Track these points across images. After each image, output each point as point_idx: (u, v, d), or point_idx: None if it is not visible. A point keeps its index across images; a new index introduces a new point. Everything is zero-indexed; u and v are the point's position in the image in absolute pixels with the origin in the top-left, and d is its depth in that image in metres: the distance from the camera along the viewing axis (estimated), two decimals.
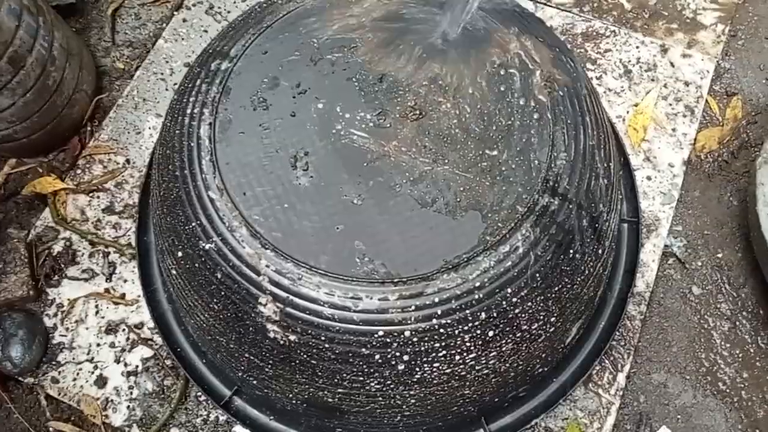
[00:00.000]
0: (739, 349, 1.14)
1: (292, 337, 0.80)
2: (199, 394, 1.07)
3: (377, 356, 0.80)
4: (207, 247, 0.82)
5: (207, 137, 0.87)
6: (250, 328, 0.83)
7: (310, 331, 0.79)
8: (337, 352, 0.80)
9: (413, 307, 0.77)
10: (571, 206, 0.84)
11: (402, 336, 0.78)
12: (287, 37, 0.93)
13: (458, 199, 0.81)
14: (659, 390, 1.11)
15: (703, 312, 1.17)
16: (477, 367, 0.83)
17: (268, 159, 0.84)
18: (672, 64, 1.34)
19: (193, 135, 0.88)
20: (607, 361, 1.10)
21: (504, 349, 0.84)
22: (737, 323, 1.16)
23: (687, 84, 1.32)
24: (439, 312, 0.78)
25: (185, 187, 0.85)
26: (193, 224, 0.83)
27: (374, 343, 0.78)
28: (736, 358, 1.14)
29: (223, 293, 0.83)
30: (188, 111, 0.90)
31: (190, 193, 0.84)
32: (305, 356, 0.81)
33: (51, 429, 1.08)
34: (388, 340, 0.78)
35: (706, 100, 1.32)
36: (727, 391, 1.11)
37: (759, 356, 1.13)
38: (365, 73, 0.89)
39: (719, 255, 1.21)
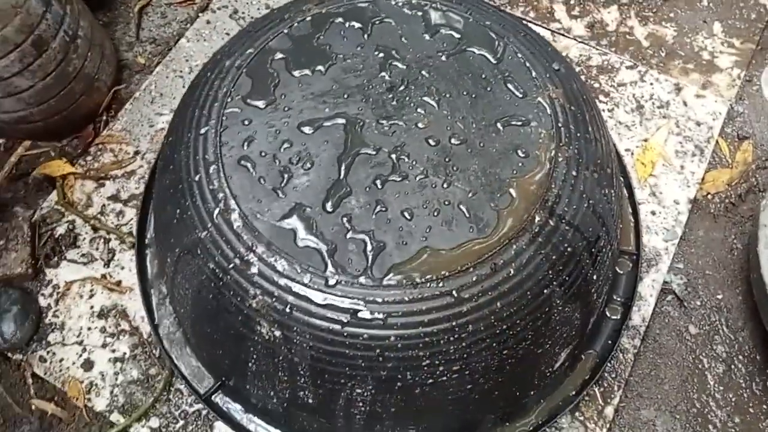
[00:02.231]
0: (733, 392, 1.12)
1: (278, 333, 0.80)
2: (183, 386, 1.07)
3: (360, 359, 0.79)
4: (201, 235, 0.83)
5: (213, 131, 0.88)
6: (237, 321, 0.83)
7: (295, 328, 0.79)
8: (320, 351, 0.80)
9: (400, 313, 0.77)
10: (567, 228, 0.84)
11: (387, 341, 0.78)
12: (305, 37, 0.95)
13: (455, 211, 0.82)
14: (647, 427, 1.09)
15: (699, 352, 1.15)
16: (460, 381, 0.83)
17: (272, 156, 0.86)
18: (685, 103, 1.34)
19: (200, 127, 0.89)
20: (596, 392, 1.09)
21: (489, 365, 0.83)
22: (732, 366, 1.14)
23: (699, 124, 1.32)
24: (426, 320, 0.77)
25: (187, 177, 0.86)
26: (190, 212, 0.84)
27: (358, 345, 0.78)
28: (729, 401, 1.11)
29: (213, 284, 0.83)
30: (198, 104, 0.92)
31: (191, 182, 0.86)
32: (288, 353, 0.81)
33: (33, 407, 1.08)
34: (372, 343, 0.78)
35: (717, 142, 1.32)
36: None
37: (753, 402, 1.11)
38: (376, 80, 0.91)
39: (719, 296, 1.20)
